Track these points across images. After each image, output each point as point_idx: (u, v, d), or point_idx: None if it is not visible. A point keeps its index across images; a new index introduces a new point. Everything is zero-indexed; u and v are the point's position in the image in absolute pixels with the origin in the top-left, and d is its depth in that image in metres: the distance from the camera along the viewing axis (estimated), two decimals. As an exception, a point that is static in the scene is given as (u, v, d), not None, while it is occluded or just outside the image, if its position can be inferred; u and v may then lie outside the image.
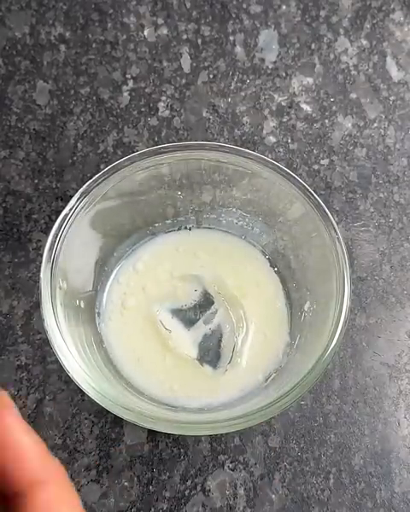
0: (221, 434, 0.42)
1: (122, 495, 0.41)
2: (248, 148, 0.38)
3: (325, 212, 0.37)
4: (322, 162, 0.49)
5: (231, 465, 0.42)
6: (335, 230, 0.36)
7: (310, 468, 0.42)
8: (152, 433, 0.42)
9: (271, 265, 0.44)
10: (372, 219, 0.48)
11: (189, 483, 0.41)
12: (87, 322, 0.41)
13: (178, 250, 0.44)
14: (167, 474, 0.41)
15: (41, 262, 0.35)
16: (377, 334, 0.45)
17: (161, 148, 0.37)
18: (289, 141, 0.49)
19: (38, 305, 0.35)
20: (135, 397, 0.39)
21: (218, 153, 0.38)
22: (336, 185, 0.48)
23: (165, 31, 0.50)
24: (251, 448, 0.42)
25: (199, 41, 0.50)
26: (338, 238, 0.36)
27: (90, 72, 0.49)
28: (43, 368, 0.43)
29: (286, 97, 0.50)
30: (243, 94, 0.50)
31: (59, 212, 0.36)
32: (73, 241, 0.37)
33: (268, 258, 0.45)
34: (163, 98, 0.49)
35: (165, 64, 0.50)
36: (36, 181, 0.47)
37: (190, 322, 0.42)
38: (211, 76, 0.50)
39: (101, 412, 0.42)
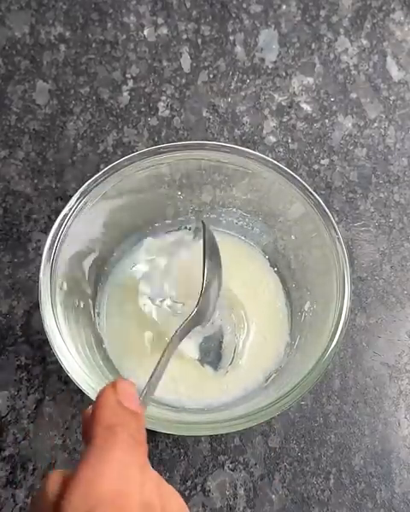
0: (221, 435, 0.42)
1: (122, 495, 0.41)
2: (248, 148, 0.38)
3: (325, 212, 0.37)
4: (322, 162, 0.49)
5: (231, 465, 0.42)
6: (335, 230, 0.36)
7: (310, 468, 0.42)
8: (152, 434, 0.42)
9: (271, 265, 0.44)
10: (372, 219, 0.48)
11: (189, 483, 0.41)
12: (87, 323, 0.41)
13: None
14: (167, 474, 0.41)
15: (41, 262, 0.35)
16: (378, 334, 0.45)
17: (161, 148, 0.37)
18: (290, 141, 0.49)
19: (37, 305, 0.35)
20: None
21: (218, 153, 0.38)
22: (336, 185, 0.48)
23: (165, 30, 0.50)
24: (251, 448, 0.42)
25: (199, 41, 0.50)
26: (338, 238, 0.36)
27: (90, 72, 0.49)
28: (43, 368, 0.43)
29: (286, 97, 0.50)
30: (242, 94, 0.49)
31: (59, 212, 0.36)
32: (72, 241, 0.37)
33: (268, 258, 0.44)
34: (163, 98, 0.49)
35: (165, 64, 0.50)
36: (36, 181, 0.46)
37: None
38: (211, 76, 0.50)
39: (101, 412, 0.42)
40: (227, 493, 0.41)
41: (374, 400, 0.44)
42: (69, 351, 0.34)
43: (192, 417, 0.39)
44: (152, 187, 0.41)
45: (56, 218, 0.36)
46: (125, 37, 0.50)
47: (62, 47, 0.49)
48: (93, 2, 0.50)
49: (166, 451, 0.42)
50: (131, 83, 0.49)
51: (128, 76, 0.49)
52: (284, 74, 0.50)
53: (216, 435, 0.42)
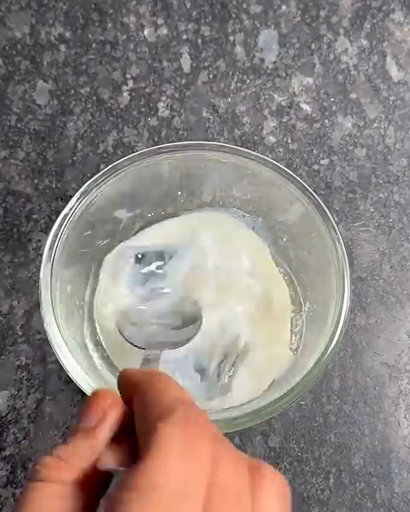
0: (221, 434, 0.42)
1: (122, 495, 0.41)
2: (248, 148, 0.38)
3: (324, 212, 0.37)
4: (322, 162, 0.49)
5: (231, 465, 0.42)
6: (335, 230, 0.36)
7: (310, 468, 0.42)
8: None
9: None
10: (372, 219, 0.48)
11: (189, 483, 0.41)
12: (87, 322, 0.41)
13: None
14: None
15: (41, 262, 0.35)
16: (377, 334, 0.45)
17: (161, 148, 0.37)
18: (289, 141, 0.49)
19: (38, 305, 0.35)
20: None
21: (218, 153, 0.38)
22: (336, 185, 0.48)
23: (165, 31, 0.50)
24: (251, 448, 0.42)
25: (199, 41, 0.50)
26: (338, 238, 0.36)
27: (90, 72, 0.49)
28: (43, 368, 0.43)
29: (286, 97, 0.50)
30: (243, 94, 0.50)
31: (59, 212, 0.36)
32: (72, 241, 0.37)
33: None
34: (163, 98, 0.49)
35: (165, 64, 0.50)
36: (36, 181, 0.47)
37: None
38: (211, 76, 0.50)
39: (101, 412, 0.42)
40: (227, 493, 0.41)
41: (374, 400, 0.44)
42: (69, 350, 0.34)
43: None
44: (152, 187, 0.41)
45: (56, 218, 0.36)
46: (125, 37, 0.50)
47: (62, 47, 0.49)
48: (93, 3, 0.50)
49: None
50: (131, 83, 0.49)
51: (128, 76, 0.49)
52: (283, 74, 0.50)
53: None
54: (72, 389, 0.42)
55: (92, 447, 0.20)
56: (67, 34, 0.50)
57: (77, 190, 0.36)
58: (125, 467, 0.20)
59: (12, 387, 0.42)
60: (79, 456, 0.20)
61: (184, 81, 0.49)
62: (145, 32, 0.50)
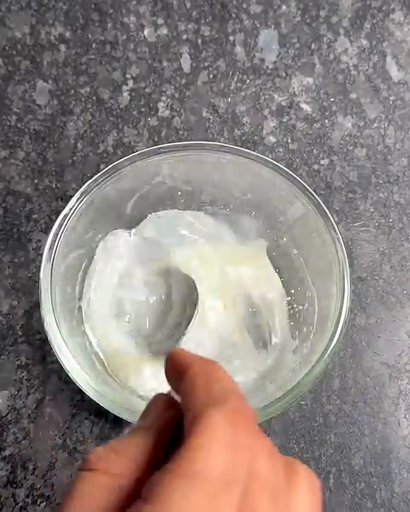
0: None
1: (122, 495, 0.41)
2: (248, 148, 0.38)
3: (324, 212, 0.37)
4: (322, 162, 0.49)
5: (231, 465, 0.42)
6: (335, 230, 0.36)
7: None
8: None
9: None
10: (372, 219, 0.48)
11: (189, 483, 0.41)
12: (87, 322, 0.41)
13: (174, 253, 0.44)
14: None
15: (41, 262, 0.35)
16: (377, 334, 0.45)
17: (160, 148, 0.37)
18: (289, 141, 0.49)
19: (38, 305, 0.35)
20: (134, 397, 0.39)
21: (218, 153, 0.38)
22: (336, 185, 0.48)
23: (165, 31, 0.50)
24: (251, 448, 0.42)
25: (199, 41, 0.50)
26: (338, 238, 0.36)
27: (90, 72, 0.49)
28: (43, 368, 0.43)
29: (286, 97, 0.50)
30: (243, 94, 0.50)
31: (59, 212, 0.36)
32: (72, 241, 0.37)
33: (268, 258, 0.44)
34: (163, 98, 0.49)
35: (165, 64, 0.50)
36: (36, 181, 0.46)
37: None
38: (211, 76, 0.50)
39: (101, 412, 0.42)
40: (227, 493, 0.41)
41: (374, 400, 0.44)
42: (69, 350, 0.34)
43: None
44: (152, 187, 0.41)
45: (56, 218, 0.36)
46: (125, 37, 0.50)
47: (62, 47, 0.49)
48: (93, 3, 0.50)
49: (166, 451, 0.42)
50: (131, 83, 0.49)
51: (128, 76, 0.49)
52: (283, 74, 0.50)
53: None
54: (72, 389, 0.42)
55: (146, 444, 0.21)
56: (67, 34, 0.50)
57: (77, 190, 0.36)
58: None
59: (12, 387, 0.42)
60: (131, 451, 0.20)
61: (184, 81, 0.49)
62: (145, 32, 0.50)
